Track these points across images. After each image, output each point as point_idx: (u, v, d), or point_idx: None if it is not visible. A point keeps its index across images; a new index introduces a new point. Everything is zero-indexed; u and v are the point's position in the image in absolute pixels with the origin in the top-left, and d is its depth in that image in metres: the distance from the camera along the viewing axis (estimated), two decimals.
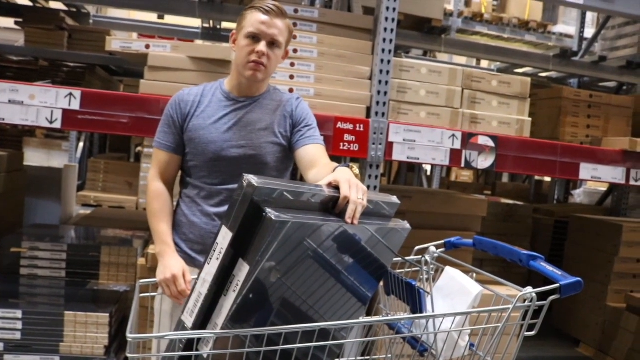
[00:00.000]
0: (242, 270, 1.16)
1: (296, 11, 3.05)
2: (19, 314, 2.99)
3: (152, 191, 1.99)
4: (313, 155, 1.94)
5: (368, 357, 1.70)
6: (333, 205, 1.35)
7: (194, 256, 1.96)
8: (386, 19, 2.92)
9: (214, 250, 1.19)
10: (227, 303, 1.17)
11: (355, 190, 1.38)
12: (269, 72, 1.96)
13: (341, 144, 2.84)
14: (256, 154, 1.95)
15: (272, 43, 1.91)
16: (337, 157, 4.27)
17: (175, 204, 2.07)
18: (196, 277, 1.23)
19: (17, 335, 2.99)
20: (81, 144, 8.00)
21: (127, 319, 3.51)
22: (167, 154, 1.99)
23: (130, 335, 1.14)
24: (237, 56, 1.95)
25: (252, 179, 1.14)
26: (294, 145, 1.99)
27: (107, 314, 3.06)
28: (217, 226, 1.93)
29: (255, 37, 1.89)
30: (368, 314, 1.66)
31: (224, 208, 1.92)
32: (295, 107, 2.03)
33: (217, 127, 1.94)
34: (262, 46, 1.88)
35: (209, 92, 2.01)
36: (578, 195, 8.01)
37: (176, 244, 1.99)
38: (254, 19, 1.89)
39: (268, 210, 1.13)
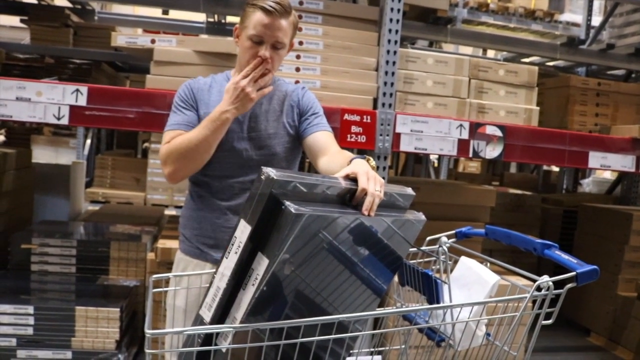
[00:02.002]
0: (261, 264, 1.15)
1: (301, 3, 3.03)
2: (30, 309, 3.01)
3: (169, 142, 1.84)
4: (323, 142, 1.91)
5: (382, 349, 1.69)
6: (350, 198, 1.35)
7: (205, 251, 1.96)
8: (391, 9, 2.91)
9: (232, 244, 1.18)
10: (246, 297, 1.16)
11: (373, 182, 1.37)
12: (273, 69, 1.91)
13: (348, 135, 2.84)
14: (266, 144, 1.93)
15: (275, 45, 1.85)
16: (344, 149, 4.27)
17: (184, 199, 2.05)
18: (212, 271, 1.22)
19: (30, 331, 3.01)
20: (88, 141, 8.03)
21: (137, 314, 3.54)
22: (183, 133, 1.89)
23: (149, 331, 1.14)
24: (240, 54, 1.92)
25: (270, 172, 1.13)
26: (302, 133, 1.97)
27: (118, 309, 3.08)
28: (229, 220, 1.92)
29: (258, 40, 1.84)
30: (379, 306, 1.66)
31: (236, 202, 1.92)
32: (301, 96, 2.02)
33: None
34: (265, 50, 1.82)
35: (217, 83, 1.99)
36: (587, 185, 7.97)
37: (187, 239, 1.99)
38: (257, 21, 1.82)
39: (287, 203, 1.12)
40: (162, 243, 3.27)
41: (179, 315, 1.92)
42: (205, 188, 1.96)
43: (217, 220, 1.94)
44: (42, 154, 7.81)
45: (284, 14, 1.83)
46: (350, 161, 1.53)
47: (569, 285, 1.27)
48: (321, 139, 1.93)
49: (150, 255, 3.38)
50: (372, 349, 1.68)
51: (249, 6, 1.87)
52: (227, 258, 1.18)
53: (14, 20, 6.55)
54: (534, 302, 1.29)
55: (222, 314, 1.19)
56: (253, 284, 1.15)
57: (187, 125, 1.88)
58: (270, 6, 1.80)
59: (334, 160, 1.77)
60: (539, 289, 1.28)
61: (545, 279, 1.28)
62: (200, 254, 1.96)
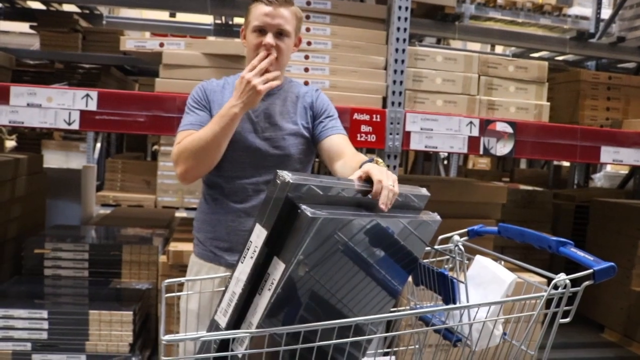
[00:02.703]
0: (278, 269, 1.14)
1: (309, 3, 3.03)
2: (44, 314, 3.03)
3: (184, 141, 1.84)
4: (338, 145, 1.92)
5: (397, 349, 1.69)
6: (364, 195, 1.35)
7: (219, 254, 1.96)
8: (399, 7, 2.90)
9: (248, 249, 1.17)
10: (262, 302, 1.16)
11: (386, 177, 1.37)
12: (280, 64, 1.91)
13: (358, 135, 2.83)
14: (280, 145, 1.93)
15: (280, 33, 1.87)
16: (354, 148, 4.26)
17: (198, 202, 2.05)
18: (225, 275, 1.21)
19: (44, 335, 3.03)
20: (98, 145, 8.07)
21: (150, 316, 3.55)
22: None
23: (164, 338, 1.14)
24: (247, 51, 1.93)
25: (286, 175, 1.13)
26: (317, 136, 1.97)
27: (131, 312, 3.09)
28: (242, 223, 1.91)
29: (261, 30, 1.86)
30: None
31: (250, 204, 1.91)
32: (315, 98, 2.01)
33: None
34: (269, 38, 1.85)
35: (230, 84, 2.00)
36: (598, 179, 7.91)
37: (201, 242, 1.99)
38: (258, 12, 1.86)
39: (303, 206, 1.11)
40: (174, 246, 3.28)
41: (192, 319, 1.92)
42: (218, 190, 1.96)
43: (232, 224, 1.93)
44: (53, 159, 7.85)
45: (284, 4, 1.87)
46: (361, 165, 1.53)
47: (586, 283, 1.26)
48: (336, 142, 1.93)
49: (162, 258, 3.39)
50: (386, 349, 1.67)
51: (251, 5, 1.91)
52: (242, 263, 1.18)
53: (24, 27, 6.59)
54: (548, 300, 1.28)
55: (237, 319, 1.19)
56: (269, 289, 1.15)
57: (199, 125, 1.88)
58: None
59: (348, 162, 1.77)
60: (555, 287, 1.27)
61: (562, 277, 1.27)
62: (214, 257, 1.96)
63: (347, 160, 1.80)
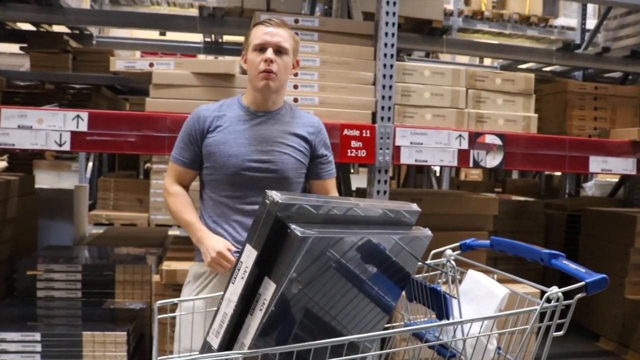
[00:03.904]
0: (269, 289, 1.15)
1: (297, 21, 3.06)
2: (37, 336, 3.01)
3: (171, 192, 2.07)
4: (326, 190, 2.13)
5: None
6: None
7: None
8: (386, 23, 2.93)
9: (239, 269, 1.18)
10: (254, 322, 1.16)
11: None
12: (280, 80, 2.01)
13: (348, 150, 2.85)
14: (278, 168, 1.99)
15: (279, 50, 1.98)
16: (344, 164, 4.28)
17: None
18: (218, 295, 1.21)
19: (37, 358, 3.00)
20: (90, 164, 8.06)
21: (144, 336, 3.53)
22: (183, 168, 2.07)
23: (157, 359, 1.14)
24: (249, 72, 2.03)
25: (275, 195, 1.14)
26: (312, 174, 2.10)
27: (125, 332, 3.07)
28: (242, 235, 1.96)
29: (262, 48, 1.97)
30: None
31: (248, 220, 1.95)
32: (317, 131, 2.10)
33: (237, 141, 1.99)
34: (269, 54, 1.96)
35: (227, 108, 2.06)
36: (589, 188, 7.95)
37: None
38: (259, 32, 2.00)
39: (293, 226, 1.12)
40: (167, 265, 3.27)
41: (187, 326, 1.93)
42: (217, 211, 2.02)
43: (233, 235, 1.99)
44: (45, 179, 7.83)
45: (282, 26, 2.02)
46: None
47: (578, 296, 1.27)
48: (326, 186, 2.13)
49: (156, 278, 3.38)
50: None
51: (250, 29, 2.05)
52: (233, 283, 1.18)
53: (14, 48, 6.60)
54: (542, 313, 1.28)
55: (230, 340, 1.19)
56: (260, 309, 1.15)
57: (182, 161, 2.06)
58: (269, 20, 2.03)
59: None
60: (548, 300, 1.28)
61: (554, 290, 1.28)
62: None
63: None
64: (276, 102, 2.06)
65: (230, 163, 1.96)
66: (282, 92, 2.08)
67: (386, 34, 2.93)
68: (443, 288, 1.51)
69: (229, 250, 1.90)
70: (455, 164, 3.00)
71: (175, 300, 1.76)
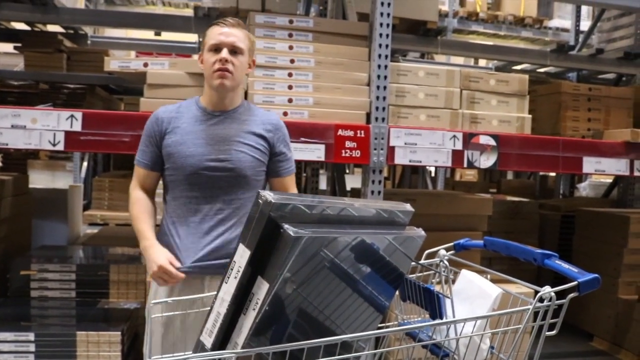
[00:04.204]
0: (262, 289, 1.15)
1: (291, 22, 3.06)
2: (31, 336, 3.00)
3: (133, 198, 2.10)
4: (285, 186, 2.16)
5: None
6: None
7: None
8: (381, 24, 2.94)
9: (232, 269, 1.18)
10: (247, 322, 1.16)
11: None
12: (236, 80, 2.04)
13: (343, 151, 2.85)
14: (235, 167, 2.02)
15: (234, 50, 2.01)
16: (339, 164, 4.28)
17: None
18: (210, 295, 1.21)
19: (31, 358, 2.99)
20: (85, 164, 8.04)
21: (138, 336, 3.52)
22: (145, 171, 2.10)
23: (150, 359, 1.14)
24: (205, 72, 2.06)
25: (268, 195, 1.14)
26: (271, 172, 2.13)
27: (119, 332, 3.07)
28: (201, 240, 1.99)
29: (217, 49, 2.01)
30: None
31: (208, 224, 2.00)
32: (275, 129, 2.12)
33: (195, 141, 2.01)
34: (224, 53, 1.99)
35: (185, 108, 2.09)
36: (583, 189, 7.99)
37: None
38: (214, 33, 2.03)
39: (286, 226, 1.12)
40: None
41: (157, 327, 1.99)
42: (179, 211, 2.04)
43: (191, 245, 2.01)
44: (39, 178, 7.81)
45: (236, 25, 2.05)
46: None
47: (571, 295, 1.27)
48: (285, 184, 2.16)
49: (150, 277, 3.37)
50: None
51: (207, 30, 2.08)
52: (226, 283, 1.19)
53: (8, 47, 6.58)
54: (536, 312, 1.29)
55: (223, 340, 1.20)
56: (254, 309, 1.16)
57: (144, 163, 2.09)
58: (224, 20, 2.06)
59: None
60: (541, 300, 1.28)
61: (547, 290, 1.28)
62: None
63: None
64: (233, 101, 2.09)
65: (188, 163, 1.99)
66: (238, 91, 2.11)
67: (380, 34, 2.94)
68: (436, 288, 1.52)
69: (172, 264, 1.93)
70: (449, 164, 3.01)
71: (169, 299, 1.77)
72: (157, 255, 1.94)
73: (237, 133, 2.04)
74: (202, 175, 2.00)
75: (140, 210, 2.06)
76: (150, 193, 2.12)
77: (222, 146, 2.01)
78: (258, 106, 2.84)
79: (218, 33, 2.01)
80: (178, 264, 1.96)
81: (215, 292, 1.22)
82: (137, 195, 2.09)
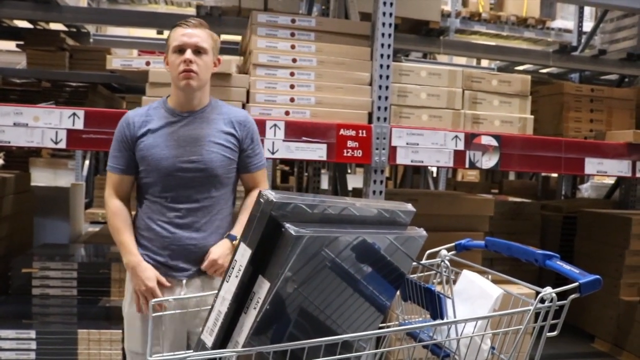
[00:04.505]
0: (263, 287, 1.15)
1: (293, 21, 3.06)
2: (32, 334, 3.01)
3: (111, 208, 2.10)
4: (254, 183, 2.20)
5: None
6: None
7: (160, 261, 2.07)
8: (383, 24, 2.93)
9: (233, 268, 1.18)
10: (248, 320, 1.16)
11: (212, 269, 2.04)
12: (201, 79, 2.05)
13: (344, 150, 2.85)
14: (207, 167, 2.04)
15: (198, 51, 2.03)
16: (341, 164, 4.28)
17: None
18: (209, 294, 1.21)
19: (32, 356, 3.00)
20: (87, 162, 8.04)
21: None
22: (119, 176, 2.10)
23: (150, 358, 1.14)
24: (171, 73, 2.07)
25: (269, 194, 1.14)
26: (241, 168, 2.15)
27: (120, 331, 3.07)
28: (176, 240, 2.03)
29: (180, 50, 2.02)
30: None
31: (183, 221, 2.04)
32: (243, 125, 2.13)
33: (167, 143, 2.03)
34: (187, 54, 2.00)
35: (154, 111, 2.10)
36: (585, 190, 7.98)
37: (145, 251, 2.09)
38: (177, 34, 2.05)
39: (287, 225, 1.12)
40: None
41: (135, 321, 2.07)
42: (152, 209, 2.07)
43: (166, 240, 2.05)
44: (41, 177, 7.81)
45: (199, 26, 2.07)
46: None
47: (572, 296, 1.27)
48: (255, 179, 2.20)
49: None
50: None
51: (170, 31, 2.09)
52: (227, 282, 1.18)
53: (10, 45, 6.59)
54: (537, 313, 1.29)
55: (224, 338, 1.20)
56: (255, 308, 1.16)
57: (117, 168, 2.10)
58: (187, 21, 2.08)
59: (246, 202, 2.18)
60: (542, 300, 1.28)
61: (548, 291, 1.28)
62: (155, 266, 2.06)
63: (247, 201, 2.18)
64: (201, 100, 2.10)
65: (162, 166, 2.02)
66: (205, 90, 2.11)
67: (383, 34, 2.94)
68: (437, 288, 1.52)
69: (159, 282, 2.01)
70: (451, 164, 3.01)
71: (170, 298, 1.77)
72: (147, 276, 2.01)
73: (207, 133, 2.06)
74: (176, 177, 2.02)
75: (121, 221, 2.08)
76: (126, 201, 2.14)
77: (193, 147, 2.03)
78: (258, 106, 2.87)
79: (181, 34, 2.03)
80: (167, 284, 2.03)
81: (217, 291, 1.22)
82: (115, 205, 2.10)
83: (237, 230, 2.09)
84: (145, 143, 2.04)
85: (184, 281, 2.05)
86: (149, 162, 2.03)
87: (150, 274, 2.01)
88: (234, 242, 2.04)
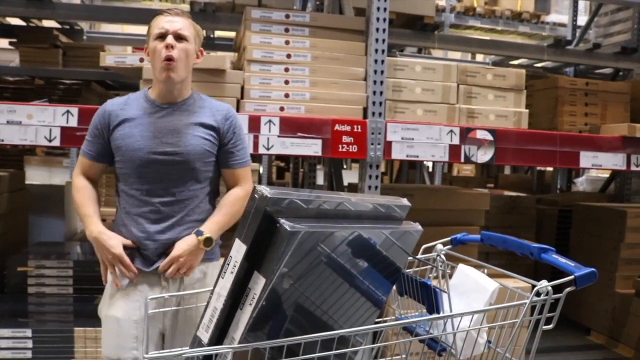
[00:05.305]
0: (258, 283, 1.15)
1: (287, 16, 3.05)
2: (28, 332, 3.00)
3: (76, 186, 2.08)
4: (235, 178, 2.14)
5: (383, 359, 1.69)
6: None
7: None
8: (377, 19, 2.93)
9: (228, 264, 1.18)
10: (244, 316, 1.16)
11: (175, 266, 1.96)
12: (183, 70, 2.02)
13: (340, 145, 2.85)
14: (183, 160, 2.01)
15: (179, 37, 2.01)
16: (337, 159, 4.28)
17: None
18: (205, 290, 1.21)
19: (28, 354, 3.00)
20: None
21: None
22: (88, 161, 2.09)
23: (147, 355, 1.14)
24: (152, 63, 2.05)
25: (264, 189, 1.13)
26: (221, 163, 2.11)
27: None
28: (151, 233, 2.00)
29: (162, 36, 2.00)
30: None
31: (158, 215, 2.00)
32: (225, 119, 2.09)
33: (143, 134, 2.00)
34: (169, 39, 1.98)
35: (133, 101, 2.08)
36: (581, 184, 8.00)
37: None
38: (158, 22, 2.04)
39: (282, 220, 1.12)
40: None
41: (113, 325, 2.02)
42: (129, 202, 2.04)
43: (140, 234, 2.02)
44: (36, 175, 7.78)
45: (180, 14, 2.07)
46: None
47: (568, 289, 1.27)
48: (236, 175, 2.14)
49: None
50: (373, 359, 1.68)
51: (151, 22, 2.08)
52: (223, 278, 1.18)
53: (3, 43, 6.56)
54: (533, 306, 1.29)
55: (220, 334, 1.19)
56: (250, 304, 1.15)
57: (89, 154, 2.09)
58: (168, 10, 2.08)
59: (225, 198, 2.11)
60: (538, 294, 1.28)
61: (543, 284, 1.28)
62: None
63: (224, 198, 2.11)
64: (182, 93, 2.07)
65: (137, 156, 1.99)
66: (187, 82, 2.08)
67: (377, 29, 2.93)
68: (434, 282, 1.52)
69: (126, 247, 1.98)
70: (446, 159, 3.01)
71: (165, 295, 1.76)
72: (112, 244, 1.96)
73: (186, 124, 2.03)
74: (151, 168, 1.99)
75: (85, 196, 2.06)
76: (94, 182, 2.12)
77: (170, 138, 2.00)
78: (253, 102, 2.86)
79: (162, 21, 2.03)
80: (133, 244, 2.00)
81: (212, 288, 1.21)
82: (81, 183, 2.07)
83: (207, 226, 2.01)
84: (120, 133, 2.02)
85: (163, 275, 2.01)
86: (123, 153, 2.01)
87: (114, 242, 1.97)
88: (199, 238, 1.97)
